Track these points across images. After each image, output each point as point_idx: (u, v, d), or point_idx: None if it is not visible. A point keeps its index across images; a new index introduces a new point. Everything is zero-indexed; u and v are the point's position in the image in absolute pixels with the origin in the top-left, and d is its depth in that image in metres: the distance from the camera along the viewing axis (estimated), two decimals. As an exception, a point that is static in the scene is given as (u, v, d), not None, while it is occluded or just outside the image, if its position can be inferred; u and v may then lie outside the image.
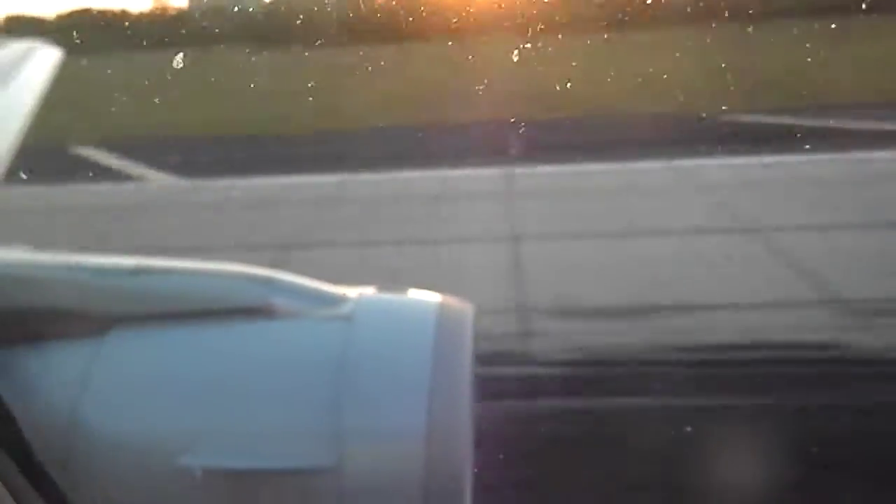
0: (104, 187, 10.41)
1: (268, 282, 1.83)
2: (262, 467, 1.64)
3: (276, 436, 1.68)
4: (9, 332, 1.68)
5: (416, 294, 1.94)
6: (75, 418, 1.62)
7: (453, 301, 1.88)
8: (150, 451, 1.62)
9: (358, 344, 1.75)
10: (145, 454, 1.62)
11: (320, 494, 1.63)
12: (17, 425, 1.56)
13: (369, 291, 1.91)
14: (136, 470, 1.64)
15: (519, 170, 9.43)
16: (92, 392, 1.65)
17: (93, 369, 1.67)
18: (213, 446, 1.64)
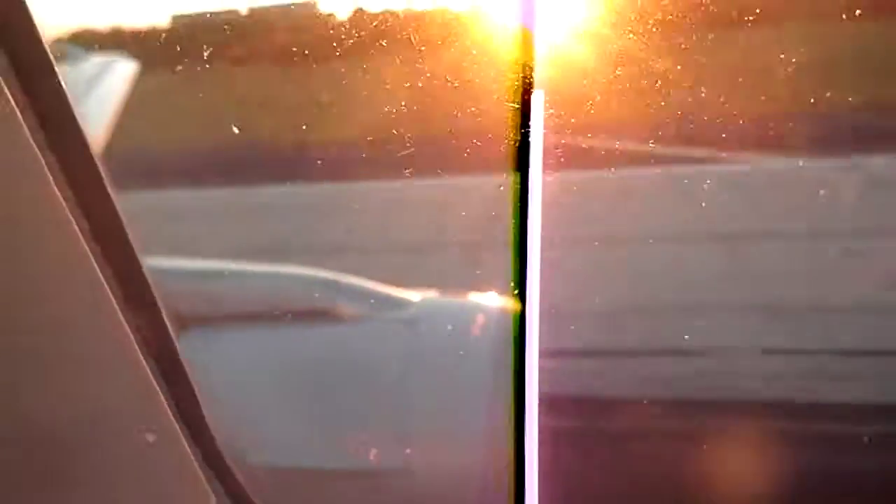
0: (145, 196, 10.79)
1: (333, 285, 1.87)
2: (328, 467, 1.66)
3: (343, 437, 1.70)
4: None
5: (478, 296, 1.95)
6: None
7: (516, 302, 1.88)
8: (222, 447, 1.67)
9: (421, 347, 1.77)
10: None
11: (387, 495, 1.65)
12: None
13: (432, 294, 1.93)
14: None
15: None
16: None
17: None
18: (280, 445, 1.68)
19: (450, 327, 1.87)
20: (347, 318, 1.80)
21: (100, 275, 0.73)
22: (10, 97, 0.65)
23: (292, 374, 1.78)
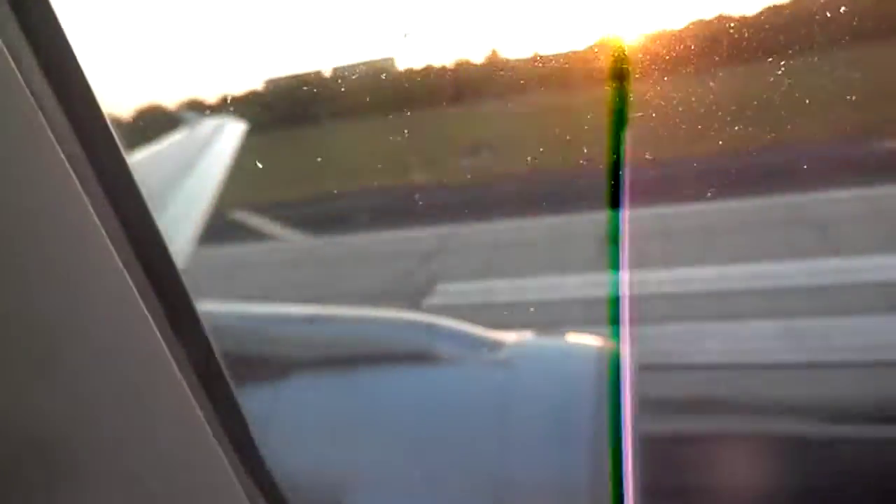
0: (249, 247, 11.16)
1: (429, 328, 1.90)
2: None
3: (441, 481, 1.71)
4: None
5: (574, 338, 1.94)
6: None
7: (612, 345, 1.86)
8: (320, 489, 1.71)
9: (518, 390, 1.77)
10: (315, 491, 1.71)
11: None
12: None
13: (527, 336, 1.93)
14: None
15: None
16: (273, 433, 1.78)
17: (274, 412, 1.80)
18: (380, 488, 1.71)
19: (546, 370, 1.86)
20: (444, 361, 1.83)
21: (135, 291, 0.74)
22: (35, 100, 0.66)
23: (392, 417, 1.81)
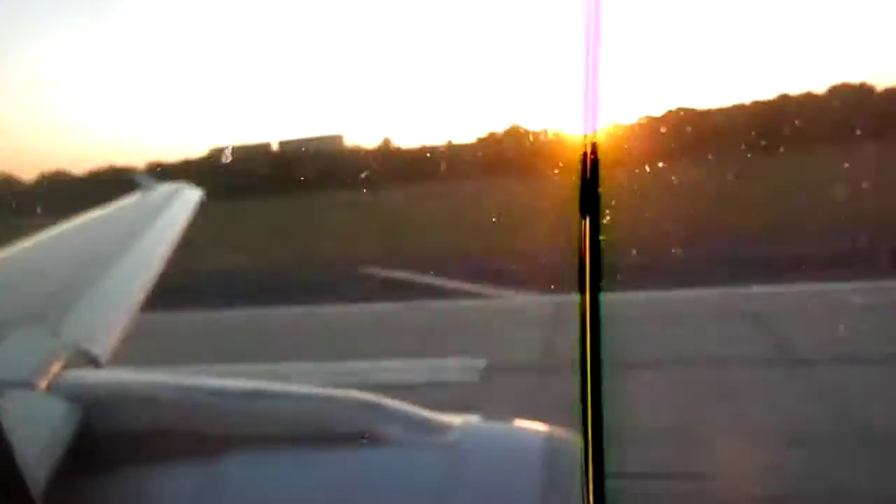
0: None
1: (375, 408, 1.85)
2: None
3: None
4: (130, 452, 1.76)
5: (522, 424, 1.90)
6: None
7: (560, 432, 1.82)
8: None
9: (463, 475, 1.72)
10: None
11: None
12: None
13: (474, 420, 1.89)
14: None
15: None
16: None
17: (206, 490, 1.72)
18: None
19: (492, 456, 1.82)
20: (387, 443, 1.77)
21: None
22: None
23: (331, 499, 1.74)
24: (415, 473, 1.75)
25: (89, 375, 2.05)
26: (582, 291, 1.59)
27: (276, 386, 1.92)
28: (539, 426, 1.86)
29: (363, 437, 1.77)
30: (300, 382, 2.05)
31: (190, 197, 4.55)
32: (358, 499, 1.73)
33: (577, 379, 1.56)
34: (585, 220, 1.55)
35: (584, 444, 1.60)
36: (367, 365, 8.51)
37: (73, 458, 1.62)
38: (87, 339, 2.30)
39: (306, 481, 1.75)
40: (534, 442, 1.81)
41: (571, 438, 1.81)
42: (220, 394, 1.89)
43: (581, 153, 1.55)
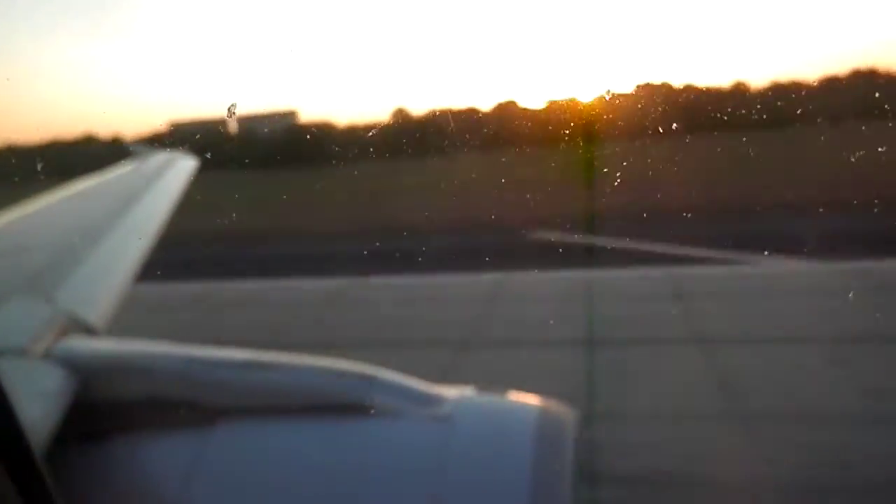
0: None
1: (369, 380, 1.85)
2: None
3: None
4: (124, 420, 1.77)
5: (515, 397, 1.91)
6: None
7: (554, 405, 1.84)
8: None
9: (456, 447, 1.73)
10: None
11: None
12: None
13: (469, 392, 1.90)
14: None
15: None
16: (198, 481, 1.70)
17: (200, 459, 1.73)
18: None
19: (486, 428, 1.83)
20: (381, 414, 1.78)
21: None
22: None
23: (324, 469, 1.75)
24: (409, 444, 1.76)
25: (85, 344, 2.06)
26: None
27: (272, 356, 1.92)
28: (533, 398, 1.87)
29: (357, 409, 1.78)
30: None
31: (185, 165, 4.53)
32: (353, 469, 1.74)
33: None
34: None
35: None
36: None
37: (68, 425, 1.63)
38: (82, 308, 2.30)
39: (301, 451, 1.76)
40: (527, 414, 1.82)
41: (564, 411, 1.82)
42: (214, 363, 1.90)
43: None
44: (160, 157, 4.68)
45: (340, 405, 1.80)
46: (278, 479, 1.72)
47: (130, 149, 4.85)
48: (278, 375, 1.88)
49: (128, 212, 3.51)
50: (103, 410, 1.77)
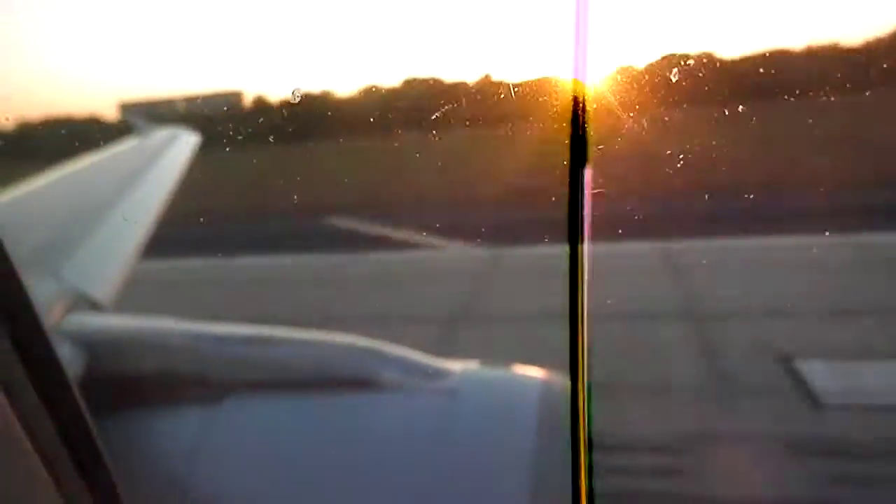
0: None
1: (375, 354, 1.87)
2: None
3: None
4: (132, 395, 1.79)
5: (519, 370, 1.93)
6: (190, 479, 1.69)
7: (556, 377, 1.85)
8: None
9: (462, 420, 1.75)
10: None
11: None
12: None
13: (473, 366, 1.92)
14: None
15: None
16: (206, 456, 1.72)
17: (208, 434, 1.75)
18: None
19: (490, 400, 1.85)
20: (388, 388, 1.80)
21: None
22: None
23: (331, 443, 1.77)
24: (413, 418, 1.78)
25: (92, 319, 2.07)
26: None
27: (277, 331, 1.94)
28: (536, 371, 1.88)
29: (363, 383, 1.80)
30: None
31: (187, 141, 4.52)
32: (357, 443, 1.76)
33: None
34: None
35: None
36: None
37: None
38: (89, 284, 2.31)
39: (308, 426, 1.78)
40: (531, 387, 1.84)
41: (567, 382, 1.83)
42: (221, 339, 1.91)
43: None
44: (163, 133, 4.67)
45: (347, 380, 1.82)
46: (286, 455, 1.74)
47: (132, 123, 4.83)
48: (284, 350, 1.89)
49: (132, 188, 3.52)
50: (111, 386, 1.79)
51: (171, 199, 3.71)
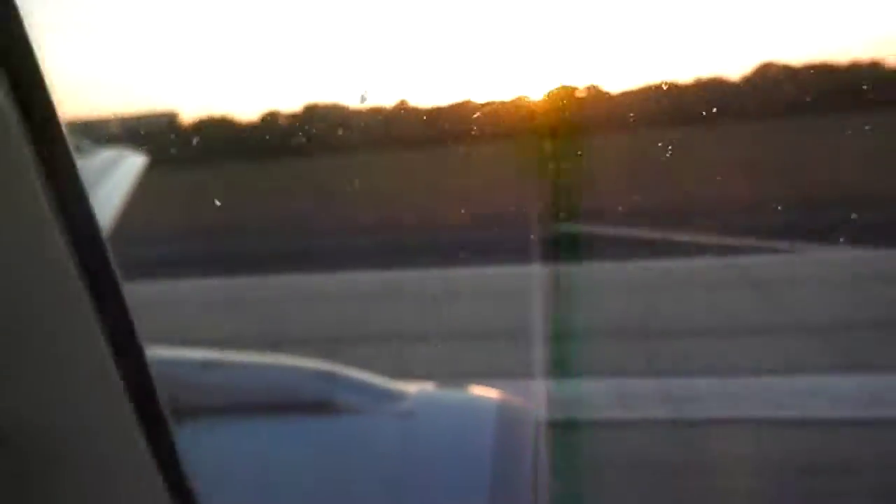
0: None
1: (330, 377, 1.86)
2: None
3: None
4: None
5: (476, 391, 1.94)
6: None
7: (515, 400, 1.87)
8: None
9: (418, 442, 1.75)
10: None
11: None
12: None
13: (429, 387, 1.92)
14: None
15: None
16: None
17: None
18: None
19: (447, 423, 1.85)
20: (343, 411, 1.79)
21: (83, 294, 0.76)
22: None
23: (287, 468, 1.75)
24: (371, 441, 1.77)
25: None
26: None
27: (233, 355, 1.91)
28: (494, 393, 1.90)
29: (319, 407, 1.79)
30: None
31: (134, 162, 4.43)
32: (314, 467, 1.75)
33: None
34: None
35: None
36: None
37: None
38: None
39: (264, 450, 1.76)
40: (488, 409, 1.85)
41: (525, 405, 1.85)
42: (175, 363, 1.88)
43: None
44: (108, 153, 4.57)
45: (302, 403, 1.80)
46: (241, 479, 1.71)
47: (76, 145, 4.71)
48: (239, 374, 1.87)
49: None
50: None
51: (117, 220, 3.62)
